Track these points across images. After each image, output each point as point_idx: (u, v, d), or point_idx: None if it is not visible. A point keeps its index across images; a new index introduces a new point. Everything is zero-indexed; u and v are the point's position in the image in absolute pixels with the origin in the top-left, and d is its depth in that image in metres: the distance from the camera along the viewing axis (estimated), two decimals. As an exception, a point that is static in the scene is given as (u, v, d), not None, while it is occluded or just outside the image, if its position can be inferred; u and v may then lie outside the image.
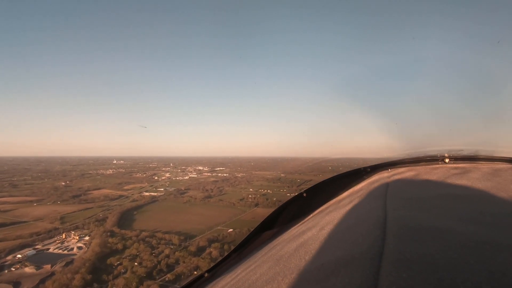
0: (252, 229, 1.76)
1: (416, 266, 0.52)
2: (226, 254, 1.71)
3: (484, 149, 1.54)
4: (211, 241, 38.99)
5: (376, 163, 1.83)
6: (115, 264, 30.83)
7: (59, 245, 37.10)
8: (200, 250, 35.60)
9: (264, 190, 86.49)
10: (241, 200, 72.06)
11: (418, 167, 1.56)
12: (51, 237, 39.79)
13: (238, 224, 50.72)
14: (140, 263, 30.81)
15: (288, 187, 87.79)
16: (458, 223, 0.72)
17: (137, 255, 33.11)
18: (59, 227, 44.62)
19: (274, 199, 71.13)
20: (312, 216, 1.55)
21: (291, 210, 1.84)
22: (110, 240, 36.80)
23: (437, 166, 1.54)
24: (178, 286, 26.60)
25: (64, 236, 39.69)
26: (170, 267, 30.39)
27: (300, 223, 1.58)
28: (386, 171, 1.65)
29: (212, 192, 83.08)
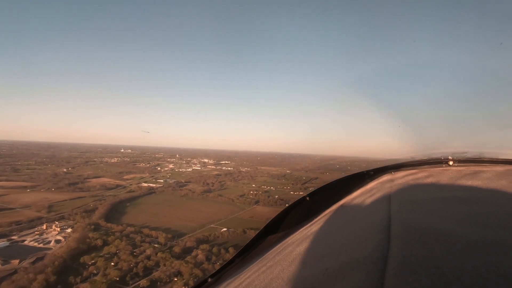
0: (256, 233, 1.75)
1: (421, 270, 0.51)
2: (230, 258, 1.70)
3: (489, 152, 1.51)
4: (200, 242, 35.61)
5: (381, 164, 1.80)
6: (89, 263, 27.89)
7: (37, 236, 34.58)
8: (185, 252, 32.27)
9: (267, 186, 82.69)
10: (241, 196, 68.49)
11: (422, 170, 1.53)
12: (31, 227, 37.41)
13: (233, 223, 47.22)
14: (115, 264, 27.74)
15: (293, 184, 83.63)
16: (463, 226, 0.72)
17: (115, 254, 30.09)
18: (44, 216, 42.36)
19: (276, 196, 67.13)
20: (316, 220, 1.53)
21: (294, 214, 1.83)
22: (90, 234, 33.99)
23: (441, 168, 1.50)
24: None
25: (45, 227, 37.24)
26: (147, 271, 27.18)
27: (304, 227, 1.56)
28: (390, 174, 1.62)
29: (212, 186, 79.97)
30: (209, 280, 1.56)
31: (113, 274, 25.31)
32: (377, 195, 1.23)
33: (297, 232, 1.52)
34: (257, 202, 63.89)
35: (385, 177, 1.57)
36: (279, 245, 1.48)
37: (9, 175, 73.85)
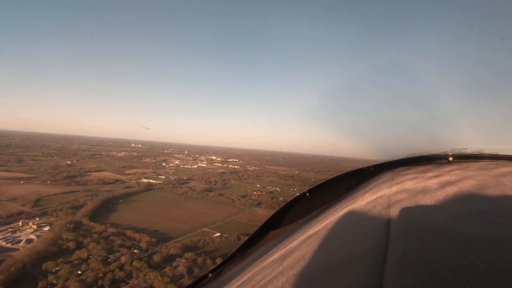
0: (256, 229, 1.76)
1: (420, 266, 0.52)
2: (230, 253, 1.72)
3: (488, 148, 1.55)
4: (186, 249, 31.50)
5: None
6: (53, 270, 24.36)
7: (8, 234, 31.74)
8: (166, 261, 28.27)
9: (272, 187, 78.09)
10: (243, 197, 64.21)
11: (421, 166, 1.54)
12: (7, 223, 34.68)
13: (229, 227, 42.93)
14: (81, 273, 24.05)
15: (300, 186, 78.67)
16: (462, 222, 0.73)
17: (85, 260, 26.49)
18: (27, 211, 39.73)
19: (281, 198, 62.42)
20: (316, 216, 1.55)
21: (294, 210, 1.83)
22: (65, 235, 30.62)
23: (441, 164, 1.51)
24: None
25: (21, 224, 34.41)
26: (114, 285, 23.34)
27: (304, 223, 1.59)
28: (390, 170, 1.62)
29: (215, 184, 76.10)
30: (210, 275, 1.59)
31: (73, 286, 21.52)
32: (377, 191, 1.23)
33: (297, 228, 1.52)
34: (259, 204, 59.41)
35: (385, 174, 1.55)
36: (279, 240, 1.49)
37: (11, 165, 72.89)
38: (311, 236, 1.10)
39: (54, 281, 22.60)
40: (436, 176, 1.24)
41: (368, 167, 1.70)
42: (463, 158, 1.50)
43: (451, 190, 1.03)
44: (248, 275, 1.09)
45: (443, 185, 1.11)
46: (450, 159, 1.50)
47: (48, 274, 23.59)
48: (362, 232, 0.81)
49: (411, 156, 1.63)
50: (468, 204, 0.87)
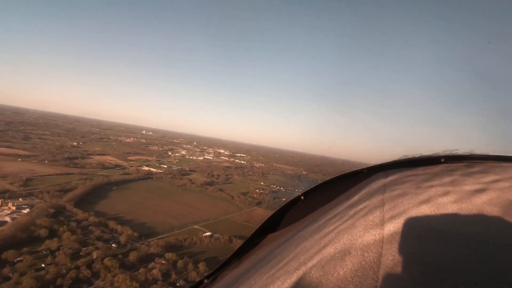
0: (252, 233, 1.79)
1: (416, 267, 0.53)
2: (226, 258, 1.73)
3: (479, 148, 1.56)
4: (169, 247, 28.43)
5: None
6: (15, 261, 21.79)
7: (-17, 215, 29.60)
8: (142, 261, 25.29)
9: (276, 186, 74.53)
10: (243, 194, 60.80)
11: (414, 168, 1.56)
12: (-14, 202, 32.65)
13: (222, 226, 39.59)
14: (43, 268, 21.35)
15: (305, 187, 74.80)
16: (458, 223, 0.74)
17: (53, 252, 23.84)
18: (13, 190, 37.98)
19: (284, 199, 58.94)
20: (311, 219, 1.58)
21: (291, 213, 1.86)
22: (39, 221, 28.13)
23: (434, 166, 1.52)
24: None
25: (0, 204, 32.27)
26: (75, 285, 20.44)
27: (299, 226, 1.61)
28: (383, 172, 1.64)
29: (217, 178, 73.15)
30: (205, 281, 1.59)
31: (27, 284, 18.76)
32: (371, 193, 1.25)
33: (293, 231, 1.54)
34: (259, 203, 55.92)
35: (379, 176, 1.58)
36: (275, 244, 1.50)
37: (16, 142, 72.57)
38: (306, 239, 1.10)
39: (10, 274, 20.02)
40: (428, 177, 1.22)
41: (362, 169, 1.70)
42: (454, 159, 1.47)
43: (444, 191, 1.02)
44: (245, 281, 1.08)
45: (436, 186, 1.09)
46: (442, 160, 1.49)
47: (7, 265, 21.09)
48: (357, 233, 0.82)
49: (404, 157, 1.61)
50: (461, 205, 0.88)
